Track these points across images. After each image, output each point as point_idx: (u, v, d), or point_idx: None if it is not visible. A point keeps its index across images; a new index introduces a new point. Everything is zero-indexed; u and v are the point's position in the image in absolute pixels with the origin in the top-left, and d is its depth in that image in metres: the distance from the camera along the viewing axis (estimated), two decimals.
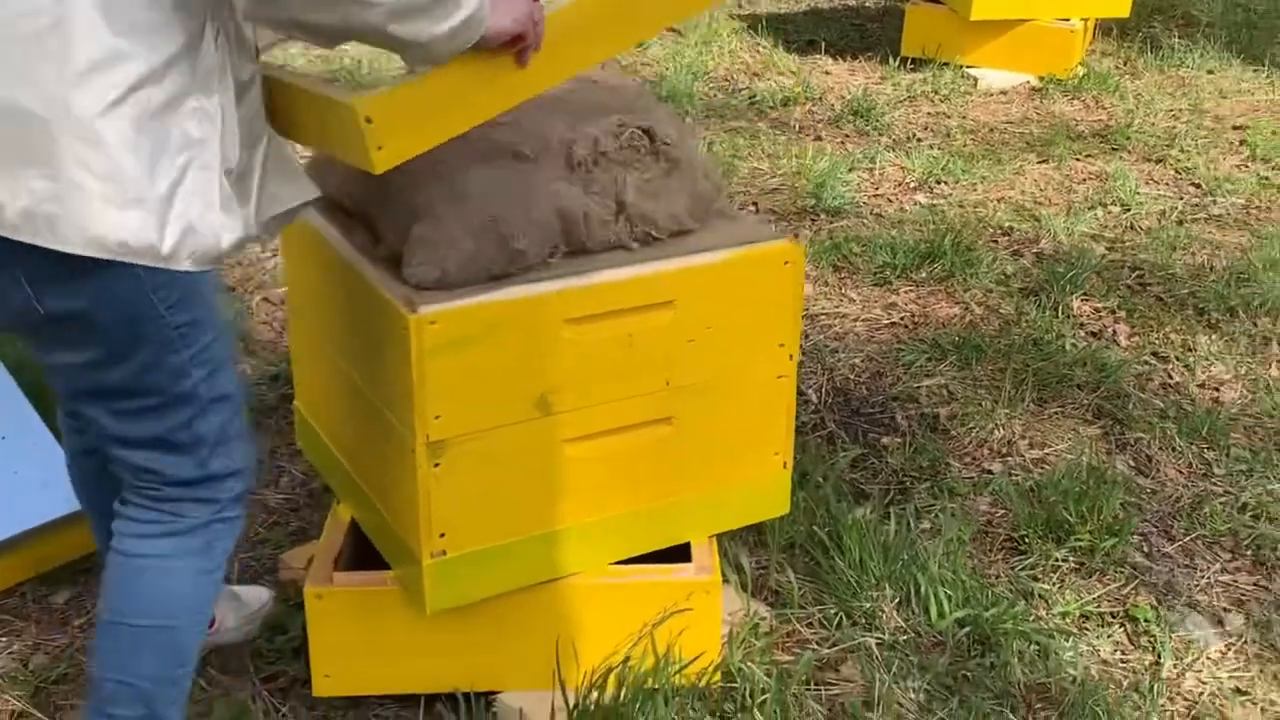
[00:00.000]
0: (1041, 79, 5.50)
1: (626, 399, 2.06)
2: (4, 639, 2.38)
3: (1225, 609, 2.52)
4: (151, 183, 1.57)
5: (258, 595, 2.37)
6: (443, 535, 1.99)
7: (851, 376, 3.32)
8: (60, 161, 1.53)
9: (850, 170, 4.58)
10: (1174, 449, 3.02)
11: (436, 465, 1.94)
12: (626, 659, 2.15)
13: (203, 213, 1.62)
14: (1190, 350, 3.45)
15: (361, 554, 2.25)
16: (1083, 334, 3.53)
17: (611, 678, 2.14)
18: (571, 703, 2.11)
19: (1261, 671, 2.37)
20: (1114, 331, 3.53)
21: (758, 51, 5.85)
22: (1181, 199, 4.41)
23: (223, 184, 1.64)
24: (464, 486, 1.97)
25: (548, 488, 2.05)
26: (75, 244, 1.56)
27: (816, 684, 2.28)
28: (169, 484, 1.79)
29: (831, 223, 4.19)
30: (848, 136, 4.96)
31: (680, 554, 2.21)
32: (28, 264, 1.59)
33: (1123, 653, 2.41)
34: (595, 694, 2.12)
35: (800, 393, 3.20)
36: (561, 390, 2.00)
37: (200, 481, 1.80)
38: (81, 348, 1.68)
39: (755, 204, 4.33)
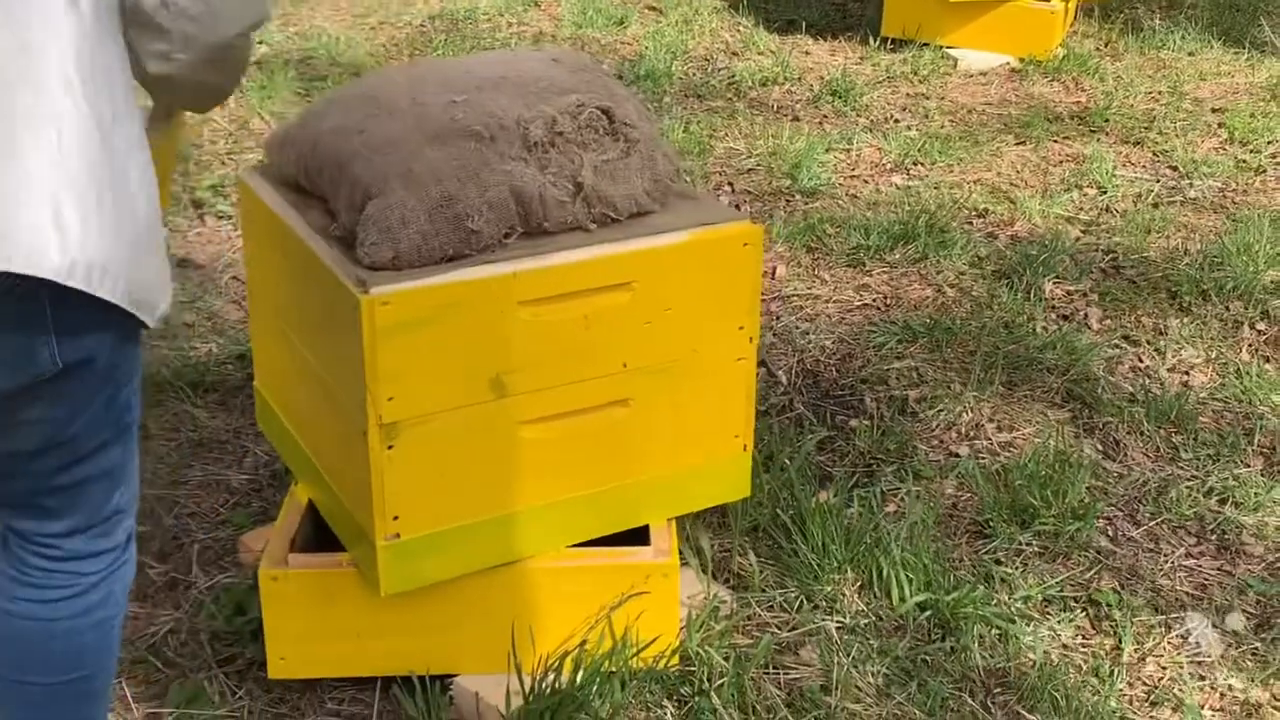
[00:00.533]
0: (1021, 60, 5.47)
1: (583, 381, 2.05)
2: None
3: (1190, 594, 2.52)
4: (159, 221, 1.61)
5: None
6: (397, 518, 1.97)
7: (822, 358, 3.30)
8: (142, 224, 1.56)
9: (827, 151, 4.56)
10: (1142, 433, 3.02)
11: (390, 447, 1.93)
12: (583, 642, 2.14)
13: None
14: (1161, 334, 3.45)
15: (320, 536, 2.23)
16: (1054, 317, 3.52)
17: (568, 661, 2.13)
18: (528, 686, 2.10)
19: (1222, 656, 2.37)
20: (1085, 315, 3.53)
21: (738, 31, 5.81)
22: (1158, 181, 4.40)
23: None
24: (418, 469, 1.96)
25: (503, 470, 2.04)
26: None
27: (775, 668, 2.27)
28: (71, 534, 1.69)
29: (806, 203, 4.17)
30: (825, 117, 4.94)
31: (639, 537, 2.20)
32: (69, 319, 1.53)
33: (1084, 637, 2.41)
34: (551, 677, 2.11)
35: (770, 374, 3.19)
36: (517, 372, 1.99)
37: (104, 521, 1.71)
38: (66, 399, 1.60)
39: (730, 184, 4.31)
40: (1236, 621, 2.44)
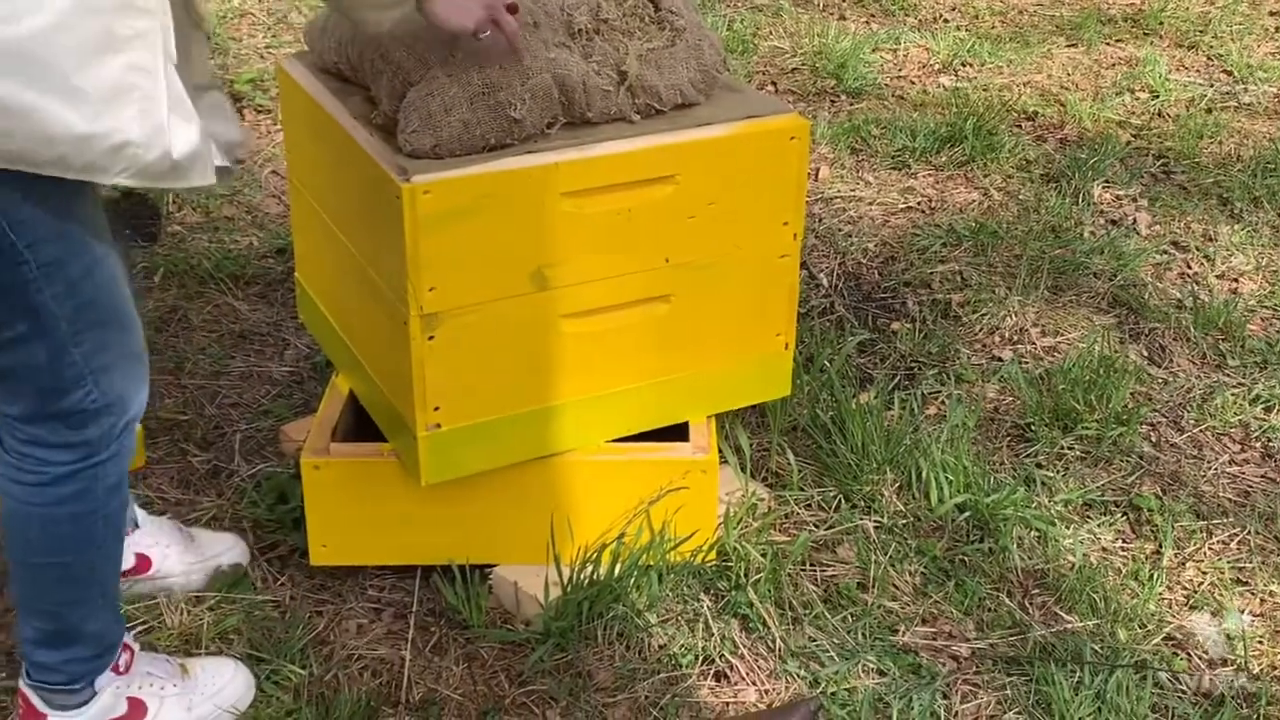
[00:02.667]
0: None
1: (625, 275, 2.03)
2: None
3: (1233, 500, 2.50)
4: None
5: (218, 545, 2.22)
6: (437, 408, 1.97)
7: (864, 261, 3.27)
8: None
9: (873, 51, 4.48)
10: (1188, 339, 2.98)
11: (431, 338, 1.92)
12: (621, 535, 2.15)
13: None
14: (1211, 240, 3.39)
15: (361, 427, 2.24)
16: (1102, 222, 3.47)
17: (606, 553, 2.14)
18: (566, 577, 2.12)
19: (1263, 563, 2.35)
20: (1134, 220, 3.47)
21: None
22: (1212, 86, 4.30)
23: None
24: (459, 360, 1.96)
25: (544, 363, 2.03)
26: None
27: (812, 564, 2.27)
28: (30, 420, 1.64)
29: (851, 104, 4.10)
30: (873, 16, 4.84)
31: (679, 433, 2.20)
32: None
33: (1124, 541, 2.40)
34: (590, 569, 2.13)
35: (811, 276, 3.16)
36: (558, 265, 1.97)
37: (67, 416, 1.64)
38: None
39: (774, 84, 4.24)
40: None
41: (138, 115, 1.46)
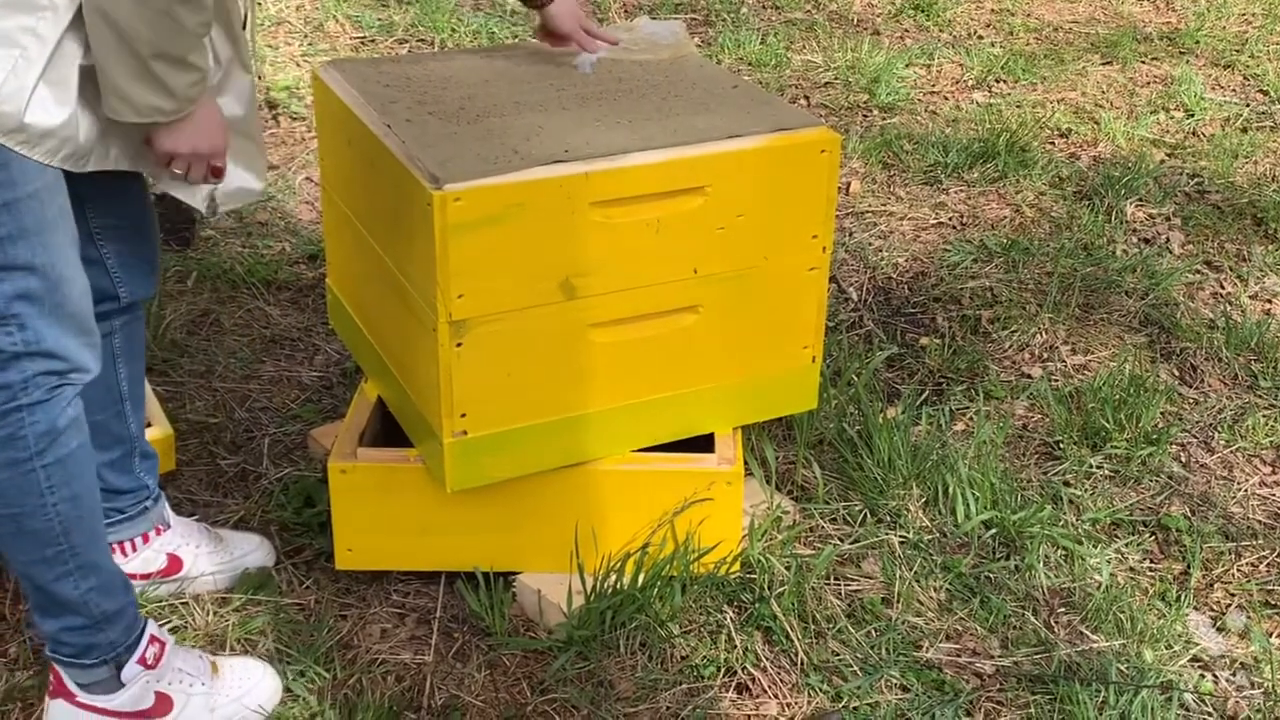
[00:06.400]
0: None
1: (653, 285, 2.04)
2: None
3: (1263, 522, 2.48)
4: None
5: (245, 545, 2.25)
6: (464, 415, 1.98)
7: (894, 276, 3.26)
8: None
9: (907, 66, 4.48)
10: (1220, 360, 2.96)
11: (459, 345, 1.93)
12: (645, 545, 2.15)
13: None
14: (1244, 260, 3.36)
15: (388, 432, 2.25)
16: (1135, 240, 3.45)
17: (630, 563, 2.14)
18: (589, 586, 2.12)
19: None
20: (1167, 239, 3.45)
21: None
22: (1248, 106, 4.27)
23: None
24: (486, 367, 1.96)
25: (571, 372, 2.04)
26: None
27: (836, 579, 2.27)
28: None
29: (884, 119, 4.10)
30: (907, 31, 4.84)
31: (704, 444, 2.20)
32: None
33: (1151, 561, 2.38)
34: (613, 578, 2.13)
35: (840, 290, 3.16)
36: (587, 274, 1.98)
37: None
38: None
39: (807, 98, 4.24)
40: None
41: (10, 66, 1.54)
